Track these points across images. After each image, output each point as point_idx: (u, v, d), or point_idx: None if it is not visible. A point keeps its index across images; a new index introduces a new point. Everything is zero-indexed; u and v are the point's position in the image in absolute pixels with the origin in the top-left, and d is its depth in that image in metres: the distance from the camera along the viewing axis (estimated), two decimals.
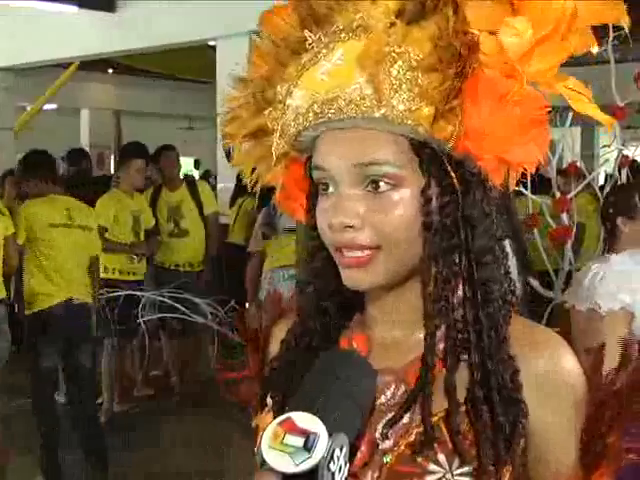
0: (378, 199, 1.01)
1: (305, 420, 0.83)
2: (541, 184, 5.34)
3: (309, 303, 1.15)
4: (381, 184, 1.01)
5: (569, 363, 1.04)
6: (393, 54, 0.99)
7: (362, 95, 1.00)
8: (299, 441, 0.82)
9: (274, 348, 1.22)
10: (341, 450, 0.83)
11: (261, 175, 1.18)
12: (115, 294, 5.71)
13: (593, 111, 1.05)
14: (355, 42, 1.02)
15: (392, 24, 1.00)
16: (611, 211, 3.37)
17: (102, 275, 6.10)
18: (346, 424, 0.87)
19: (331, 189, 1.04)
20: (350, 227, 1.01)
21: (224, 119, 1.17)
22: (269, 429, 0.84)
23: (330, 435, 0.82)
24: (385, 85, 0.98)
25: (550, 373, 1.03)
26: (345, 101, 1.00)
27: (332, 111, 1.01)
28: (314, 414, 0.84)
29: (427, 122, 0.99)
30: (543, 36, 0.99)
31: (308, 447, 0.81)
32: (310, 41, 1.05)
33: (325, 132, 1.04)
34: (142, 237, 6.41)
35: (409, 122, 0.99)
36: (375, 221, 1.01)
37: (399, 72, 0.98)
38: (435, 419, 1.01)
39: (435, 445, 1.00)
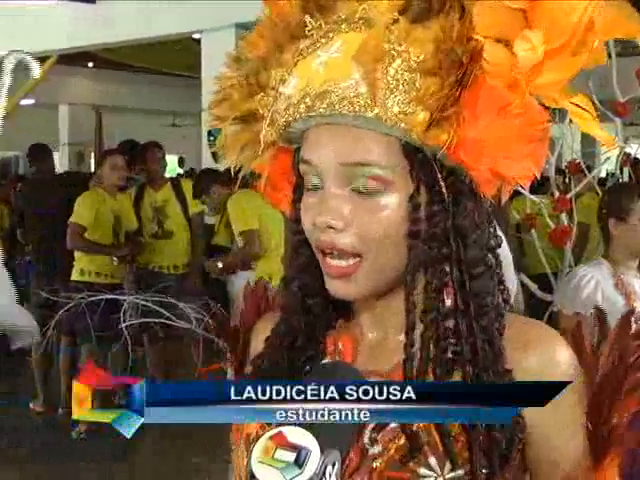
0: (364, 201, 1.01)
1: (297, 434, 0.82)
2: (539, 183, 5.34)
3: (293, 300, 1.14)
4: (368, 186, 1.00)
5: (564, 357, 1.04)
6: (393, 52, 0.98)
7: (356, 93, 0.99)
8: (290, 456, 0.81)
9: (257, 345, 1.21)
10: (333, 467, 0.83)
11: (246, 162, 1.16)
12: (96, 298, 5.67)
13: (596, 131, 1.05)
14: (355, 34, 1.01)
15: (395, 20, 0.99)
16: (604, 212, 3.39)
17: (78, 278, 6.06)
18: (339, 440, 0.86)
19: (317, 185, 1.04)
20: (332, 228, 1.01)
21: (214, 99, 1.16)
22: (259, 443, 0.83)
23: (322, 451, 0.82)
24: (381, 84, 0.98)
25: (546, 369, 1.02)
26: (338, 97, 0.99)
27: (324, 106, 1.00)
28: (307, 428, 0.83)
29: (421, 128, 0.98)
30: (554, 49, 0.98)
31: (299, 463, 0.80)
32: (310, 27, 1.05)
33: (315, 125, 1.03)
34: (122, 239, 6.34)
35: (402, 125, 0.98)
36: (359, 224, 1.01)
37: (397, 72, 0.97)
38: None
39: (426, 448, 0.99)
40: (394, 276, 1.04)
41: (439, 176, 1.01)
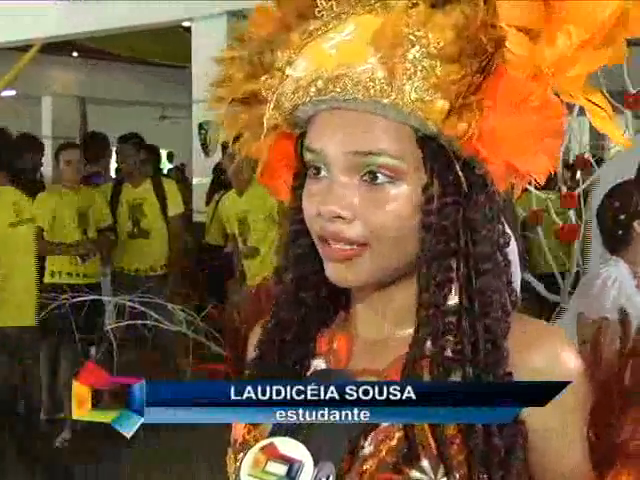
0: (374, 191, 1.01)
1: (289, 446, 0.82)
2: (546, 178, 5.33)
3: (286, 294, 1.14)
4: (379, 176, 1.01)
5: (568, 359, 1.04)
6: (411, 37, 0.98)
7: (372, 77, 0.99)
8: (282, 469, 0.81)
9: (251, 351, 1.20)
10: None
11: (246, 145, 1.16)
12: (82, 299, 5.64)
13: (610, 129, 1.06)
14: (371, 17, 1.02)
15: (414, 4, 1.00)
16: (621, 212, 3.34)
17: (49, 280, 6.00)
18: (333, 452, 0.86)
19: (323, 173, 1.04)
20: (339, 218, 1.01)
21: (215, 79, 1.16)
22: (249, 455, 0.83)
23: (316, 463, 0.82)
24: (399, 70, 0.98)
25: (551, 370, 1.02)
26: (353, 81, 1.00)
27: (337, 90, 1.01)
28: (299, 440, 0.83)
29: (439, 116, 0.98)
30: (581, 43, 0.98)
31: (291, 476, 0.80)
32: (320, 8, 1.05)
33: (324, 110, 1.04)
34: (92, 235, 6.21)
35: (419, 113, 0.98)
36: (367, 215, 1.01)
37: (415, 57, 0.98)
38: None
39: (419, 450, 0.99)
40: (396, 269, 1.05)
41: (456, 167, 1.02)
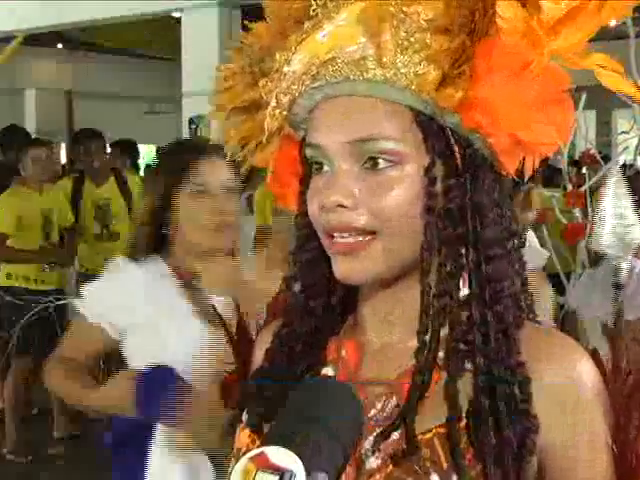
0: (376, 178, 1.02)
1: (280, 456, 0.81)
2: (551, 175, 5.34)
3: (296, 302, 1.14)
4: (380, 161, 1.02)
5: (587, 371, 1.04)
6: (400, 14, 1.00)
7: (363, 55, 1.01)
8: (272, 479, 0.80)
9: (259, 357, 1.21)
10: None
11: (250, 154, 1.18)
12: (47, 305, 5.54)
13: (628, 88, 1.05)
14: (361, 3, 1.03)
15: None
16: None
17: (5, 283, 5.93)
18: (328, 462, 0.84)
19: (325, 168, 1.05)
20: (343, 207, 1.02)
21: (216, 89, 1.19)
22: (239, 464, 0.82)
23: (309, 474, 0.80)
24: (389, 45, 1.00)
25: (566, 383, 1.02)
26: (344, 62, 1.02)
27: (330, 72, 1.03)
28: (291, 449, 0.82)
29: (432, 87, 0.99)
30: (574, 7, 0.99)
31: None
32: (314, 7, 1.07)
33: (320, 102, 1.05)
34: (54, 237, 6.12)
35: (413, 87, 0.99)
36: (372, 202, 1.01)
37: (407, 33, 1.00)
38: (429, 435, 1.00)
39: (428, 465, 0.99)
40: (407, 261, 1.05)
41: (454, 146, 1.02)
